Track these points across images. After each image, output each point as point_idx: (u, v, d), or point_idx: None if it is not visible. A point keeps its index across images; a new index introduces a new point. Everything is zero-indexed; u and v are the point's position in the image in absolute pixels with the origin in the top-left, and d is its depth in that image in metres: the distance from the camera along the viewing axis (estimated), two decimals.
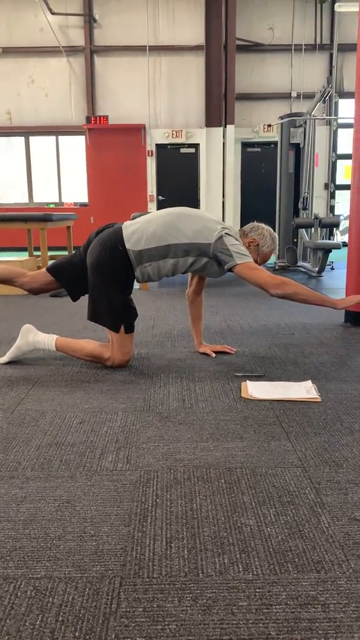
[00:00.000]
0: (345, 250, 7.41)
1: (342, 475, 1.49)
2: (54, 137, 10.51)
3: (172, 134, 10.17)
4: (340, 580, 1.06)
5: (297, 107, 9.88)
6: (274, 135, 9.91)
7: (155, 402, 2.08)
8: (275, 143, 8.06)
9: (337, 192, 10.55)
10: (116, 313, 2.42)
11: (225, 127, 9.94)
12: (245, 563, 1.12)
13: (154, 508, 1.33)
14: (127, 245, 2.36)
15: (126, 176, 10.28)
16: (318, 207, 10.12)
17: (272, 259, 7.18)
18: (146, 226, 2.38)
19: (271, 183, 8.45)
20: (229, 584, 1.06)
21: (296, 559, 1.13)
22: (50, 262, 4.07)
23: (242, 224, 10.20)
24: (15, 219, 5.35)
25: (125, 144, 10.16)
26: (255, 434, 1.77)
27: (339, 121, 10.18)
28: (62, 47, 9.89)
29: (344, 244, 7.73)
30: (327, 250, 5.69)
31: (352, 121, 3.44)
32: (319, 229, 6.00)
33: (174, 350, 2.84)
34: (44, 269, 2.60)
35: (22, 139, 10.55)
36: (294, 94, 10.14)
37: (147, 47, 9.92)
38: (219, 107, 9.86)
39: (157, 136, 10.24)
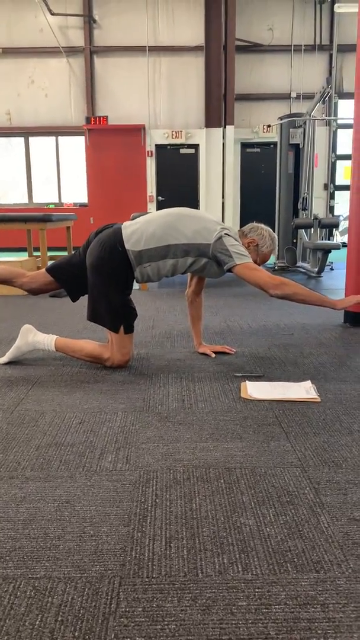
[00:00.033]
0: (344, 250, 7.41)
1: (341, 475, 1.49)
2: (53, 138, 10.51)
3: (172, 135, 10.18)
4: (339, 580, 1.06)
5: (297, 107, 9.89)
6: (273, 136, 9.92)
7: (154, 402, 2.08)
8: (275, 143, 8.07)
9: (336, 192, 10.55)
10: (115, 313, 2.42)
11: (225, 127, 9.94)
12: (245, 563, 1.12)
13: (153, 508, 1.33)
14: (127, 246, 2.36)
15: (126, 177, 10.29)
16: (317, 208, 10.13)
17: (272, 260, 7.19)
18: (146, 227, 2.38)
19: (271, 183, 8.46)
20: (229, 583, 1.06)
21: (295, 559, 1.13)
22: (49, 263, 4.07)
23: (242, 224, 10.21)
24: (15, 219, 5.35)
25: (125, 145, 10.17)
26: (255, 434, 1.77)
27: (339, 122, 10.19)
28: (62, 47, 9.90)
29: (344, 245, 7.74)
30: (326, 251, 5.69)
31: (351, 122, 3.44)
32: (318, 229, 6.00)
33: (173, 350, 2.84)
34: (43, 270, 2.60)
35: (21, 140, 10.55)
36: (293, 95, 10.14)
37: (147, 48, 9.92)
38: (219, 107, 9.87)
39: (157, 137, 10.24)
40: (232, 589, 1.04)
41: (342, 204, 10.50)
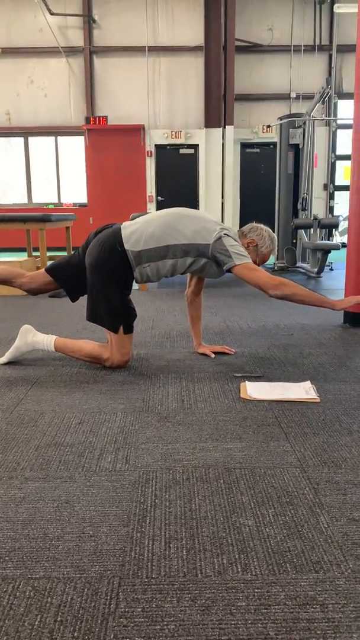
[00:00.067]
0: (344, 251, 7.41)
1: (340, 475, 1.49)
2: (53, 138, 10.51)
3: (172, 135, 10.18)
4: (338, 581, 1.06)
5: (296, 107, 9.90)
6: (273, 136, 9.92)
7: (154, 402, 2.08)
8: (275, 144, 8.07)
9: (336, 192, 10.55)
10: (115, 313, 2.42)
11: (225, 127, 9.95)
12: (244, 563, 1.12)
13: (152, 508, 1.33)
14: (126, 246, 2.36)
15: (125, 177, 10.29)
16: (317, 208, 10.13)
17: (271, 260, 7.19)
18: (145, 227, 2.38)
19: (270, 184, 8.46)
20: (228, 584, 1.06)
21: (295, 559, 1.13)
22: (49, 263, 4.07)
23: (241, 224, 10.21)
24: (15, 219, 5.35)
25: (125, 145, 10.17)
26: (254, 434, 1.77)
27: (338, 122, 10.19)
28: (62, 47, 9.90)
29: (343, 245, 7.74)
30: (326, 251, 5.69)
31: (351, 122, 3.44)
32: (318, 229, 6.00)
33: (173, 350, 2.84)
34: (42, 270, 2.60)
35: (21, 140, 10.55)
36: (293, 95, 10.15)
37: (147, 48, 9.93)
38: (218, 107, 9.87)
39: (157, 137, 10.25)
40: (231, 590, 1.04)
41: (342, 204, 10.51)
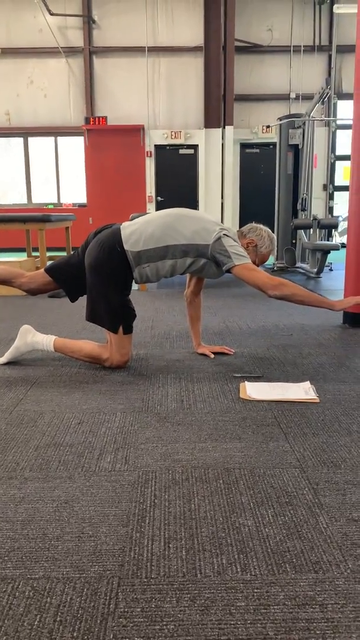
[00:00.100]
0: (343, 251, 7.41)
1: (340, 476, 1.49)
2: (52, 138, 10.51)
3: (171, 135, 10.18)
4: (338, 581, 1.07)
5: (296, 108, 9.90)
6: (272, 137, 9.93)
7: (153, 402, 2.08)
8: (274, 144, 8.07)
9: (335, 193, 10.56)
10: (114, 314, 2.42)
11: (224, 128, 9.95)
12: (244, 563, 1.12)
13: (152, 508, 1.33)
14: (126, 246, 2.36)
15: (125, 177, 10.29)
16: (317, 208, 10.13)
17: (271, 260, 7.19)
18: (144, 227, 2.38)
19: (270, 184, 8.47)
20: (227, 584, 1.06)
21: (294, 560, 1.13)
22: (48, 263, 4.07)
23: (241, 224, 10.21)
24: (14, 219, 5.35)
25: (124, 145, 10.17)
26: (254, 434, 1.77)
27: (338, 122, 10.19)
28: (61, 48, 9.90)
29: (343, 245, 7.75)
30: (325, 252, 5.70)
31: (350, 122, 3.45)
32: (317, 230, 6.00)
33: (172, 351, 2.84)
34: (42, 270, 2.60)
35: (20, 140, 10.55)
36: (292, 95, 10.15)
37: (146, 48, 9.93)
38: (218, 108, 9.87)
39: (156, 137, 10.25)
40: (230, 590, 1.04)
41: (341, 204, 10.51)
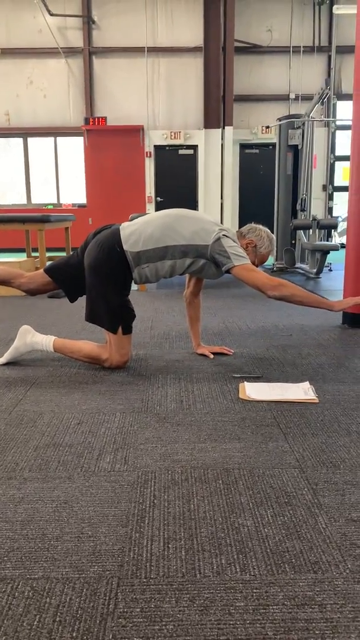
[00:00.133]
0: (343, 251, 7.41)
1: (339, 476, 1.49)
2: (52, 139, 10.52)
3: (171, 135, 10.19)
4: (337, 581, 1.07)
5: (296, 108, 9.91)
6: (272, 137, 9.94)
7: (153, 403, 2.08)
8: (274, 144, 8.08)
9: (335, 193, 10.57)
10: (114, 314, 2.42)
11: (224, 128, 9.96)
12: (243, 564, 1.12)
13: (151, 509, 1.33)
14: (125, 247, 2.36)
15: (124, 177, 10.29)
16: (316, 209, 10.14)
17: (270, 261, 7.19)
18: (144, 227, 2.38)
19: (269, 184, 8.47)
20: (227, 584, 1.06)
21: (293, 560, 1.13)
22: (48, 263, 4.07)
23: (240, 225, 10.22)
24: (14, 220, 5.35)
25: (124, 145, 10.18)
26: (253, 435, 1.77)
27: (337, 123, 10.21)
28: (61, 48, 9.90)
29: (342, 246, 7.75)
30: (325, 252, 5.70)
31: (350, 123, 3.45)
32: (317, 230, 6.01)
33: (172, 351, 2.84)
34: (41, 270, 2.60)
35: (20, 140, 10.55)
36: (292, 96, 10.16)
37: (146, 49, 9.93)
38: (218, 108, 9.88)
39: (156, 137, 10.25)
40: (230, 590, 1.04)
41: (341, 205, 10.52)
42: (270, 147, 10.20)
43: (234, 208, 10.53)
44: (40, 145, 10.59)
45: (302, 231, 6.45)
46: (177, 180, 10.43)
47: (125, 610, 0.99)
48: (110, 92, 10.20)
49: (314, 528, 1.25)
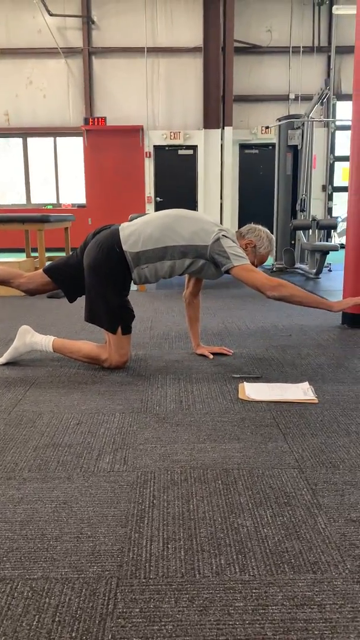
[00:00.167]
0: (342, 252, 7.41)
1: (338, 476, 1.49)
2: (51, 139, 10.52)
3: (170, 136, 10.19)
4: (336, 581, 1.07)
5: (295, 109, 9.91)
6: (271, 137, 9.94)
7: (152, 403, 2.08)
8: (273, 145, 8.09)
9: (334, 194, 10.57)
10: (113, 314, 2.42)
11: (223, 128, 9.96)
12: (242, 564, 1.12)
13: (150, 509, 1.33)
14: (124, 247, 2.36)
15: (124, 177, 10.29)
16: (316, 209, 10.14)
17: (270, 261, 7.19)
18: (143, 228, 2.38)
19: (269, 185, 8.48)
20: (226, 584, 1.06)
21: (292, 560, 1.13)
22: (47, 264, 4.07)
23: (240, 225, 10.22)
24: (13, 220, 5.35)
25: (123, 146, 10.18)
26: (253, 435, 1.77)
27: (337, 123, 10.21)
28: (60, 48, 9.90)
29: (342, 246, 7.75)
30: (324, 252, 5.70)
31: (349, 123, 3.45)
32: (316, 230, 6.01)
33: (171, 351, 2.84)
34: (40, 270, 2.60)
35: (20, 140, 10.55)
36: (291, 96, 10.16)
37: (145, 49, 9.94)
38: (217, 108, 9.88)
39: (155, 138, 10.25)
40: (229, 590, 1.04)
41: (340, 205, 10.53)
42: (270, 147, 10.20)
43: (233, 208, 10.53)
44: (39, 146, 10.59)
45: (301, 231, 6.46)
46: (177, 180, 10.44)
47: (125, 610, 0.99)
48: (109, 93, 10.20)
49: (313, 528, 1.25)
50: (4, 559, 1.14)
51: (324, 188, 10.54)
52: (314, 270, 5.93)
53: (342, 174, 10.53)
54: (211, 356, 2.71)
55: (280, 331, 3.32)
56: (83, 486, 1.44)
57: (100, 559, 1.14)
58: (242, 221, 10.51)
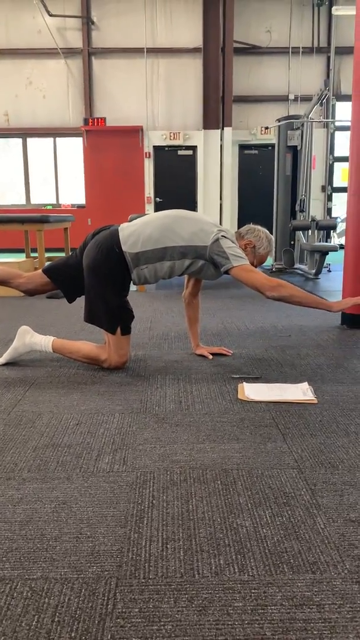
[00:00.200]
0: (342, 252, 7.41)
1: (337, 476, 1.50)
2: (51, 139, 10.52)
3: (170, 136, 10.19)
4: (335, 581, 1.07)
5: (295, 109, 9.92)
6: (271, 138, 9.95)
7: (152, 403, 2.08)
8: (273, 145, 8.09)
9: (334, 194, 10.58)
10: (112, 314, 2.42)
11: (223, 129, 9.96)
12: (241, 564, 1.12)
13: (150, 509, 1.33)
14: (124, 248, 2.36)
15: (124, 178, 10.30)
16: (315, 210, 10.15)
17: (269, 261, 7.20)
18: (142, 229, 2.38)
19: (268, 185, 8.48)
20: (225, 584, 1.06)
21: (292, 560, 1.13)
22: (46, 264, 4.07)
23: (239, 226, 10.22)
24: (13, 220, 5.35)
25: (123, 146, 10.18)
26: (252, 435, 1.78)
27: (336, 124, 10.21)
28: (60, 49, 9.90)
29: (341, 247, 7.75)
30: (324, 253, 5.70)
31: (349, 124, 3.45)
32: (316, 231, 6.01)
33: (171, 352, 2.84)
34: (39, 270, 2.60)
35: (19, 141, 10.56)
36: (291, 97, 10.17)
37: (145, 50, 9.94)
38: (217, 109, 9.89)
39: (155, 138, 10.26)
40: (228, 590, 1.04)
41: (340, 206, 10.53)
42: (270, 147, 10.21)
43: (233, 209, 10.54)
44: (39, 146, 10.59)
45: (301, 232, 6.46)
46: (176, 180, 10.44)
47: (124, 610, 0.99)
48: (109, 93, 10.21)
49: (312, 528, 1.25)
50: (4, 559, 1.14)
51: (323, 189, 10.54)
52: (314, 271, 5.93)
53: (341, 175, 10.54)
54: (210, 356, 2.71)
55: (280, 331, 3.33)
56: (82, 486, 1.45)
57: (100, 559, 1.14)
58: (242, 222, 10.51)
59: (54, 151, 10.59)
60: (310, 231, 6.06)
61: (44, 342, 2.52)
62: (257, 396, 2.13)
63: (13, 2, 9.86)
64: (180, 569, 1.11)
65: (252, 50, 10.11)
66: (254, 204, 10.55)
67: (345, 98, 10.24)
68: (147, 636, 0.93)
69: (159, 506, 1.34)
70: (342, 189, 10.34)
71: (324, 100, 7.47)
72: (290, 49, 10.02)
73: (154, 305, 4.26)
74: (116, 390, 2.24)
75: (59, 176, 10.68)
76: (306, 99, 9.79)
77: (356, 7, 3.25)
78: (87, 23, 9.89)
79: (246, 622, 0.96)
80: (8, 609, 1.00)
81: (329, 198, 10.52)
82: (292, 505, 1.35)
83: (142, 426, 1.86)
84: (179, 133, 10.16)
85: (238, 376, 2.41)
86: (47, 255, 5.89)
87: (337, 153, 10.48)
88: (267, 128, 10.13)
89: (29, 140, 10.54)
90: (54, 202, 10.72)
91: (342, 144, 10.36)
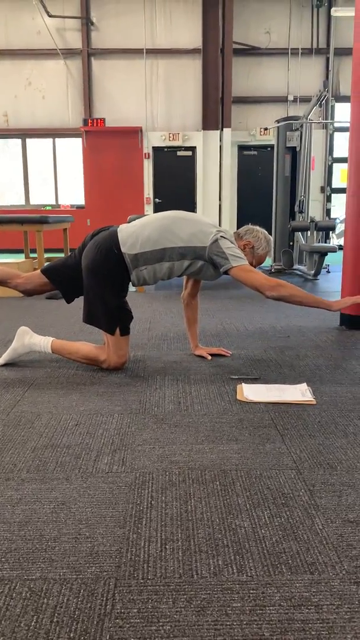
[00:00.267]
0: (341, 253, 7.42)
1: (336, 477, 1.50)
2: (50, 140, 10.52)
3: (169, 137, 10.20)
4: (333, 582, 1.07)
5: (294, 110, 9.93)
6: (270, 139, 9.95)
7: (150, 404, 2.08)
8: (272, 146, 8.09)
9: (333, 195, 10.58)
10: (111, 315, 2.42)
11: (222, 130, 9.97)
12: (240, 564, 1.12)
13: (149, 510, 1.33)
14: (123, 249, 2.36)
15: (123, 179, 10.30)
16: (314, 211, 10.16)
17: (268, 262, 7.20)
18: (141, 230, 2.38)
19: (267, 186, 8.49)
20: (223, 585, 1.06)
21: (290, 561, 1.14)
22: (45, 264, 4.07)
23: (239, 226, 10.22)
24: (12, 220, 5.35)
25: (122, 147, 10.18)
26: (251, 436, 1.78)
27: (335, 125, 10.22)
28: (60, 49, 9.91)
29: (340, 247, 7.76)
30: (323, 254, 5.71)
31: (348, 125, 3.46)
32: (315, 232, 6.02)
33: (170, 352, 2.85)
34: (38, 271, 2.60)
35: (19, 141, 10.56)
36: (290, 98, 10.18)
37: (145, 50, 9.94)
38: (216, 110, 9.89)
39: (154, 139, 10.26)
40: (226, 591, 1.05)
41: (339, 206, 10.54)
42: (269, 148, 10.21)
43: (232, 209, 10.54)
44: (38, 147, 10.59)
45: (300, 233, 6.46)
46: (176, 181, 10.44)
47: (123, 611, 0.99)
48: (108, 94, 10.21)
49: (310, 529, 1.25)
50: (2, 559, 1.14)
51: (322, 189, 10.55)
52: (313, 272, 5.94)
53: (340, 176, 10.55)
54: (209, 357, 2.71)
55: (279, 332, 3.33)
56: (81, 487, 1.45)
57: (99, 560, 1.14)
58: (241, 222, 10.51)
59: (53, 152, 10.59)
60: (309, 232, 6.07)
61: (43, 342, 2.52)
62: (256, 397, 2.14)
63: (12, 3, 9.86)
64: (179, 570, 1.11)
65: (251, 51, 10.12)
66: (253, 204, 10.56)
67: (344, 99, 10.25)
68: (146, 636, 0.93)
69: (158, 507, 1.34)
70: (341, 190, 10.35)
71: (323, 101, 7.48)
72: (290, 50, 10.03)
73: (153, 306, 4.27)
74: (115, 390, 2.24)
75: (58, 177, 10.68)
76: (305, 100, 9.79)
77: (355, 9, 3.26)
78: (87, 24, 9.89)
79: (245, 622, 0.96)
80: (7, 610, 1.00)
81: (328, 199, 10.53)
82: (290, 505, 1.35)
83: (141, 427, 1.86)
84: (178, 134, 10.17)
85: (237, 377, 2.41)
86: (46, 255, 5.89)
87: (336, 154, 10.49)
88: (266, 129, 10.15)
89: (28, 140, 10.54)
90: (53, 202, 10.72)
91: (341, 145, 10.37)
